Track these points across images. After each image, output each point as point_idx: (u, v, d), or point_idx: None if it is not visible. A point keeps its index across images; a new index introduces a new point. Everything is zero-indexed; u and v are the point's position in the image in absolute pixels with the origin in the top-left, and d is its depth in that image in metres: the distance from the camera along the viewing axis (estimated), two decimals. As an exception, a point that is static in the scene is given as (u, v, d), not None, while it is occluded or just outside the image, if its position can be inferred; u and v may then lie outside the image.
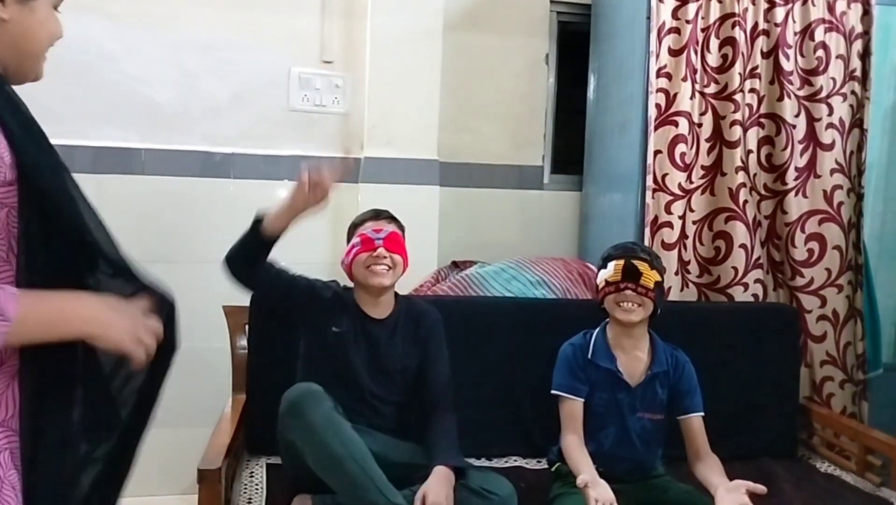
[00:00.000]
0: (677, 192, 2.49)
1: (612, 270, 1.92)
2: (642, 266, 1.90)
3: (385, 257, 1.92)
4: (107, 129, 2.62)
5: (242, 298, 2.16)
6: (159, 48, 2.65)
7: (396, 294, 2.05)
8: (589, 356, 1.97)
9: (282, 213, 1.73)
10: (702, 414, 1.95)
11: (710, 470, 1.85)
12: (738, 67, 2.48)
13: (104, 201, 1.18)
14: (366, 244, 1.93)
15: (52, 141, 1.06)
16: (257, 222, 1.76)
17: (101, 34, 2.58)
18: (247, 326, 2.20)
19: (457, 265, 2.74)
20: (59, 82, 2.32)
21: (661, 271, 1.97)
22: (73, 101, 2.56)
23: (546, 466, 2.07)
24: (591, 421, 1.95)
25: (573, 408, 1.94)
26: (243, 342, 2.23)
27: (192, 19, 2.67)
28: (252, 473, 2.01)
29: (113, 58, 2.61)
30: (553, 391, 1.97)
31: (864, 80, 2.57)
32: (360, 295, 1.99)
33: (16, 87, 1.06)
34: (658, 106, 2.46)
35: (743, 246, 2.52)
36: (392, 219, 2.03)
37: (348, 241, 2.02)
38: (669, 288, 2.49)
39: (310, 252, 2.60)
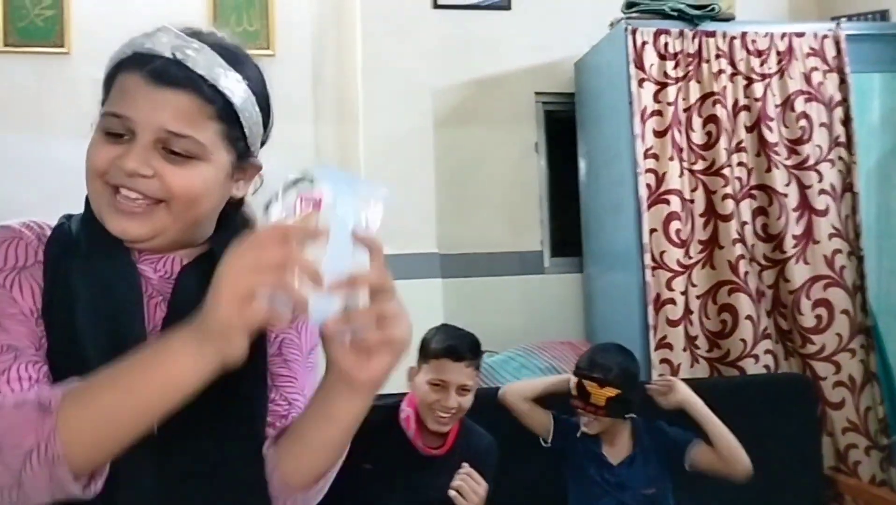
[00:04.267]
0: (677, 268, 2.50)
1: (571, 384, 1.97)
2: (591, 386, 1.93)
3: (454, 408, 1.78)
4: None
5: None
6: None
7: (461, 419, 1.88)
8: (577, 435, 2.03)
9: None
10: (697, 440, 2.00)
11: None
12: (723, 143, 2.53)
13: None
14: (440, 388, 1.78)
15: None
16: None
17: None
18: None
19: (464, 356, 2.73)
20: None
21: (622, 384, 1.93)
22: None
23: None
24: (586, 494, 2.00)
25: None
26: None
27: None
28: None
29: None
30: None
31: (849, 144, 2.61)
32: (414, 424, 1.81)
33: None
34: (648, 186, 2.50)
35: (749, 317, 2.50)
36: (473, 353, 1.84)
37: (420, 353, 1.84)
38: (671, 371, 2.46)
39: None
